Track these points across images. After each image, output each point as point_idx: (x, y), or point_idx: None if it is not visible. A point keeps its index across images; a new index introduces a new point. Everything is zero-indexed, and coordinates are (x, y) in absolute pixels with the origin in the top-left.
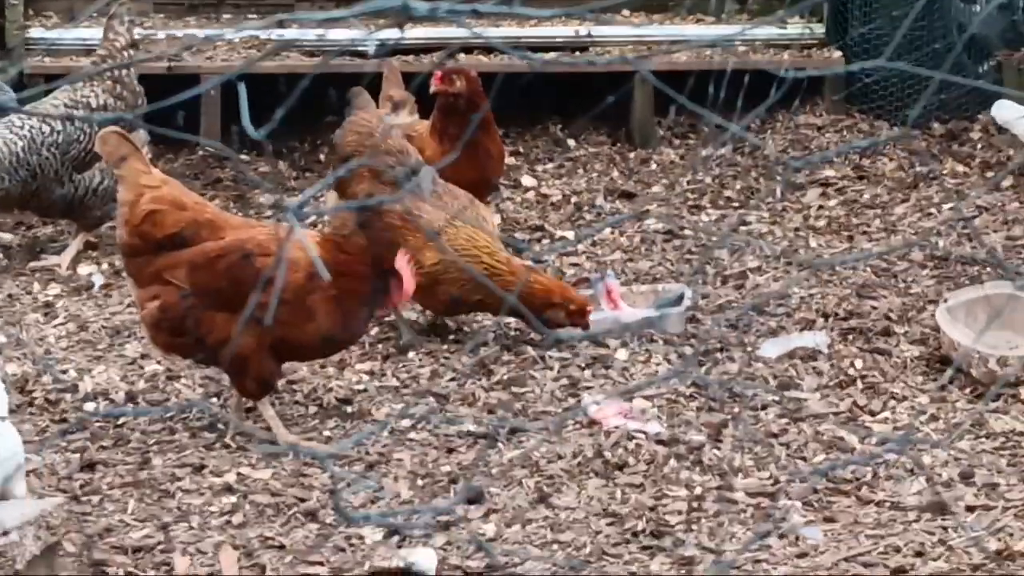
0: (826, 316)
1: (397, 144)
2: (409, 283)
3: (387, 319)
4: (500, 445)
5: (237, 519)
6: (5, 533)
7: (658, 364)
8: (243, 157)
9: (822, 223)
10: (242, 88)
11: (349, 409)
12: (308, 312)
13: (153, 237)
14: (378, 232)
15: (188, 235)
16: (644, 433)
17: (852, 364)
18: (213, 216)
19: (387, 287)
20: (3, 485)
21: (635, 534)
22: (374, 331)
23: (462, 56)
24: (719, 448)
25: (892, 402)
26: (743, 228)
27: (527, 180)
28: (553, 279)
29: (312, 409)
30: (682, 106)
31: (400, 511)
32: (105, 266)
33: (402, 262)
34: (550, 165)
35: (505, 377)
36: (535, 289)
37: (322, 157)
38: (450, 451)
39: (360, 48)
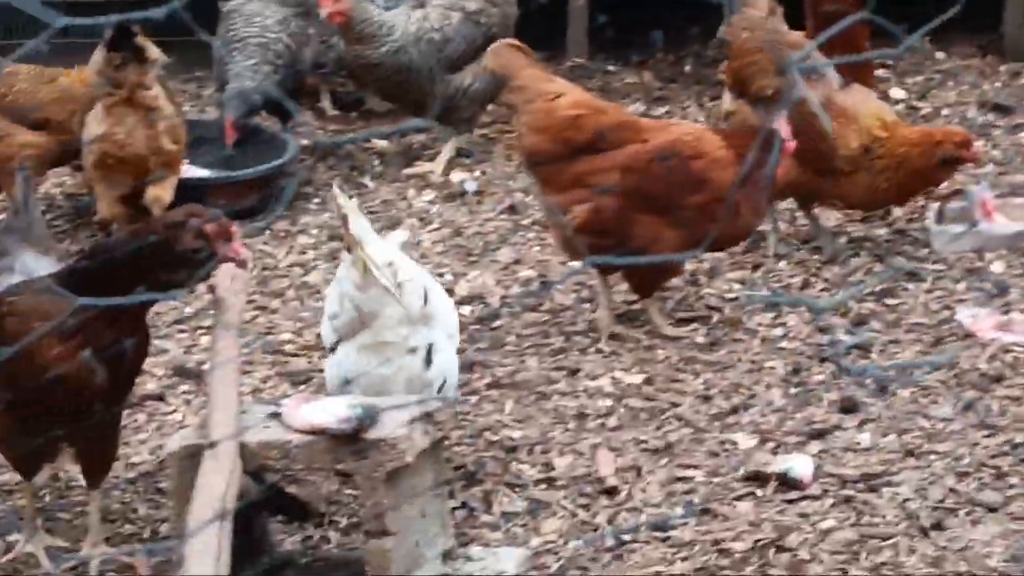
0: None
1: (796, 38)
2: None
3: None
4: (872, 357)
5: (612, 422)
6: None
7: None
8: (609, 68)
9: None
10: None
11: (717, 317)
12: (736, 208)
13: (575, 141)
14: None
15: (611, 138)
16: (1022, 346)
17: None
18: (630, 118)
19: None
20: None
21: (1015, 447)
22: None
23: None
24: None
25: None
26: None
27: (897, 92)
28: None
29: (681, 315)
30: None
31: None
32: (478, 173)
33: (780, 123)
34: (919, 78)
35: (878, 288)
36: (912, 139)
37: (687, 68)
38: (822, 360)
39: None
